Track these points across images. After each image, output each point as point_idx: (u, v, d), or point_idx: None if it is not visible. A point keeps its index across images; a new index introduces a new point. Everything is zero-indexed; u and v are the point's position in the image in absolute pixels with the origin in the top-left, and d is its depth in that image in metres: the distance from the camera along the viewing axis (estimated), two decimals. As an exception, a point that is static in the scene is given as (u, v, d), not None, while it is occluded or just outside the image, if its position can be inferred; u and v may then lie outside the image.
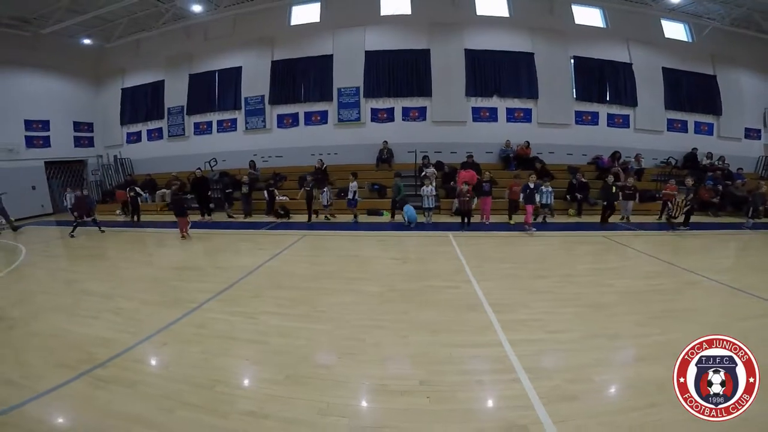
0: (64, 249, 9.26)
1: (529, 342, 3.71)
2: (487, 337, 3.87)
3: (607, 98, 14.59)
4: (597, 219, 10.61)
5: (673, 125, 14.91)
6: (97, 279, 6.41)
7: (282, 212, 11.80)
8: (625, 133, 14.63)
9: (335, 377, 3.21)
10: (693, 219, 9.99)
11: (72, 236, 9.97)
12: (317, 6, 14.70)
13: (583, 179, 11.81)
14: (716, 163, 13.99)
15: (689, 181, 10.24)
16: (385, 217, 11.46)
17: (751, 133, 15.41)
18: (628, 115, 14.70)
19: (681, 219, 9.67)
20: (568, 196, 11.69)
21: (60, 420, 2.80)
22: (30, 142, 14.83)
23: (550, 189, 10.52)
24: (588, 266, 6.79)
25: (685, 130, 15.00)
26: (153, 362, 3.62)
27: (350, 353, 3.60)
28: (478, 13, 14.33)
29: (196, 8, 14.14)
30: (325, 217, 11.51)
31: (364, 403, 2.89)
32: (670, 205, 9.87)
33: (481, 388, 3.04)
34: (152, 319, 4.47)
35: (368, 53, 14.23)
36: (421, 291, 5.33)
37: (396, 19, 14.39)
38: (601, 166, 13.43)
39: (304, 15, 14.92)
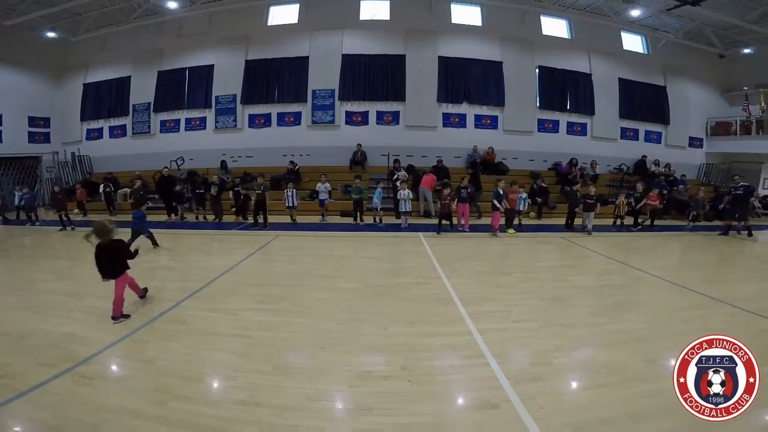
0: (21, 249, 8.89)
1: (495, 331, 4.07)
2: (458, 327, 4.21)
3: (568, 107, 15.50)
4: (556, 221, 11.23)
5: (626, 133, 16.03)
6: (64, 279, 6.27)
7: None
8: (582, 140, 15.60)
9: (321, 366, 3.41)
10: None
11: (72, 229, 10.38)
12: (296, 7, 14.74)
13: (543, 184, 12.52)
14: (663, 169, 15.14)
15: (639, 186, 11.13)
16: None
17: (695, 142, 16.79)
18: (586, 124, 15.67)
19: (631, 221, 10.56)
20: (529, 200, 12.29)
21: (49, 416, 2.77)
22: (-21, 136, 14.00)
23: (524, 195, 10.78)
24: (548, 264, 7.32)
25: (637, 138, 16.16)
26: (137, 358, 3.61)
27: (334, 344, 3.81)
28: (453, 21, 14.86)
29: (172, 4, 13.83)
30: (291, 218, 11.26)
31: (351, 388, 3.09)
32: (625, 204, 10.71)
33: (456, 371, 3.35)
34: (129, 316, 4.47)
35: (345, 56, 14.43)
36: (396, 287, 5.63)
37: (374, 24, 14.70)
38: (560, 172, 14.26)
39: (282, 15, 14.94)
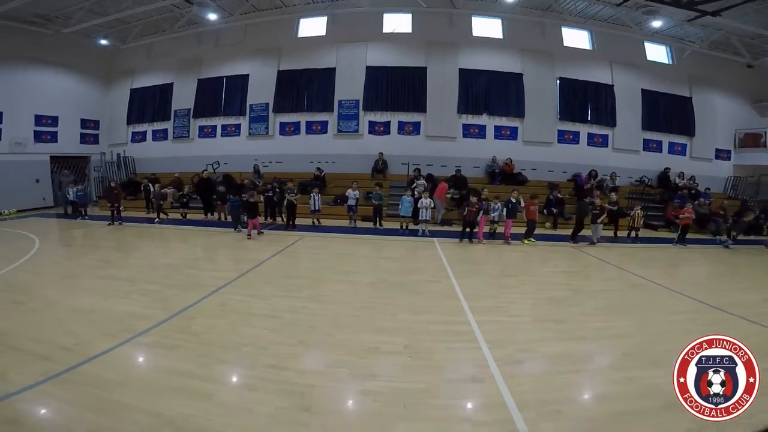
0: (76, 240, 9.98)
1: (491, 322, 4.60)
2: (458, 317, 4.78)
3: (589, 118, 15.52)
4: (570, 232, 11.39)
5: (648, 145, 15.84)
6: (117, 267, 7.13)
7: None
8: (603, 152, 15.56)
9: (337, 342, 4.06)
10: (658, 235, 10.99)
11: (120, 224, 11.54)
12: (324, 20, 15.54)
13: (559, 195, 12.74)
14: (687, 182, 14.90)
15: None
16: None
17: (722, 154, 16.37)
18: (608, 135, 15.62)
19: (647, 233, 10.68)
20: (545, 211, 12.52)
21: (114, 375, 3.33)
22: (38, 136, 15.35)
23: (497, 206, 10.42)
24: (553, 270, 7.71)
25: (660, 150, 15.91)
26: (186, 331, 4.30)
27: (349, 326, 4.47)
28: (474, 34, 15.25)
29: (212, 16, 14.92)
30: (313, 222, 11.84)
31: (360, 359, 3.71)
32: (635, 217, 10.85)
33: (451, 352, 3.91)
34: (178, 299, 5.23)
35: (369, 68, 15.07)
36: (408, 283, 6.23)
37: (396, 37, 15.30)
38: (579, 184, 14.37)
39: (311, 28, 15.77)
